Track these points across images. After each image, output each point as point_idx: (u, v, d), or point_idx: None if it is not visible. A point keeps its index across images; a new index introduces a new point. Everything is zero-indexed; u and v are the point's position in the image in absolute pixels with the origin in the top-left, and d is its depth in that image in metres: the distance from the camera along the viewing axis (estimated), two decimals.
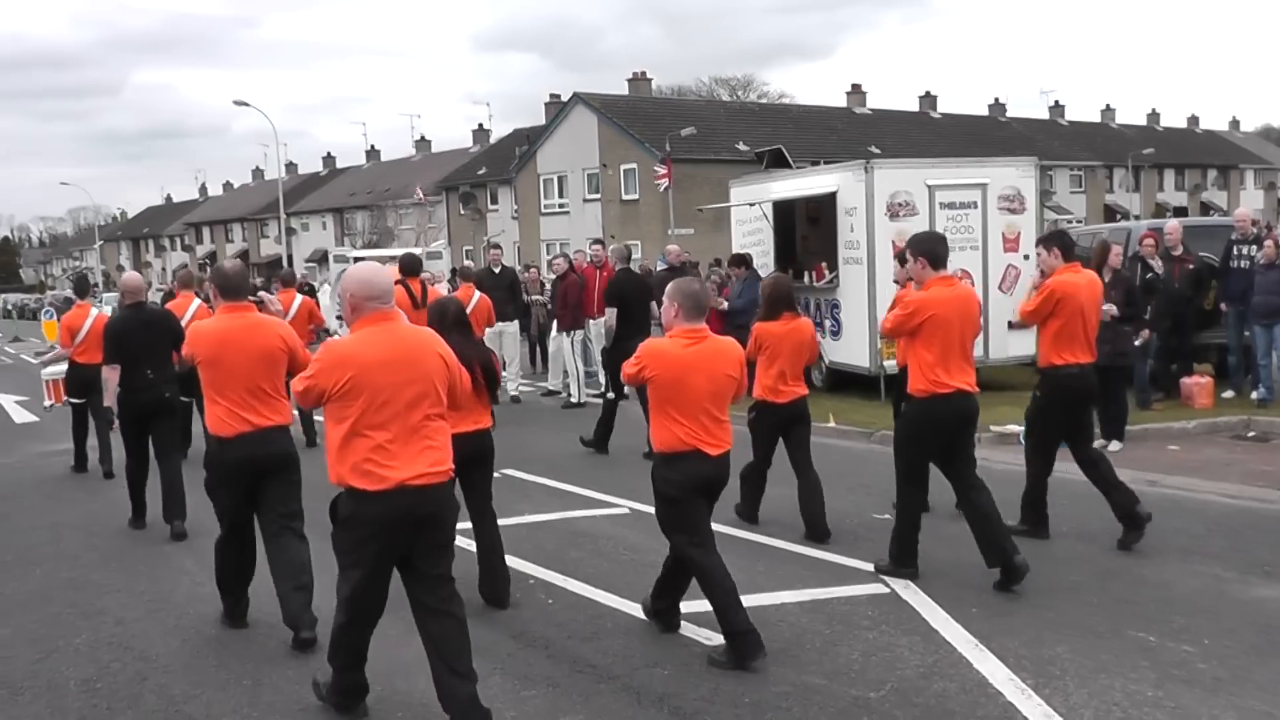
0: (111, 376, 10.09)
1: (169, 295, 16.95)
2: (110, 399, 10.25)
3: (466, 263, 23.97)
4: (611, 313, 13.66)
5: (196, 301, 13.09)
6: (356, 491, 5.56)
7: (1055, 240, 9.10)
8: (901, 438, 8.45)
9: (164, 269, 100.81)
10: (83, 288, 15.50)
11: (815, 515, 9.46)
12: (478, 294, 16.14)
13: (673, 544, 7.07)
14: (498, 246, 21.16)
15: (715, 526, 9.55)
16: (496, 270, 18.79)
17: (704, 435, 6.73)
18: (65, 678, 6.96)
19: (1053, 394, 8.97)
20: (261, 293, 11.56)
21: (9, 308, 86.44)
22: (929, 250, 8.13)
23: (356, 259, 35.75)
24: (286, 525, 7.31)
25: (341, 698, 6.09)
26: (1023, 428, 12.77)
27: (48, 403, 16.53)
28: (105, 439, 13.09)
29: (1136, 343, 12.89)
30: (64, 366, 14.18)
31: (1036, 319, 8.99)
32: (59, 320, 14.62)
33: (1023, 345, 16.14)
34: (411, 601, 5.86)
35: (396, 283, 12.71)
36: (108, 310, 15.11)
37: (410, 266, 15.18)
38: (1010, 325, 10.09)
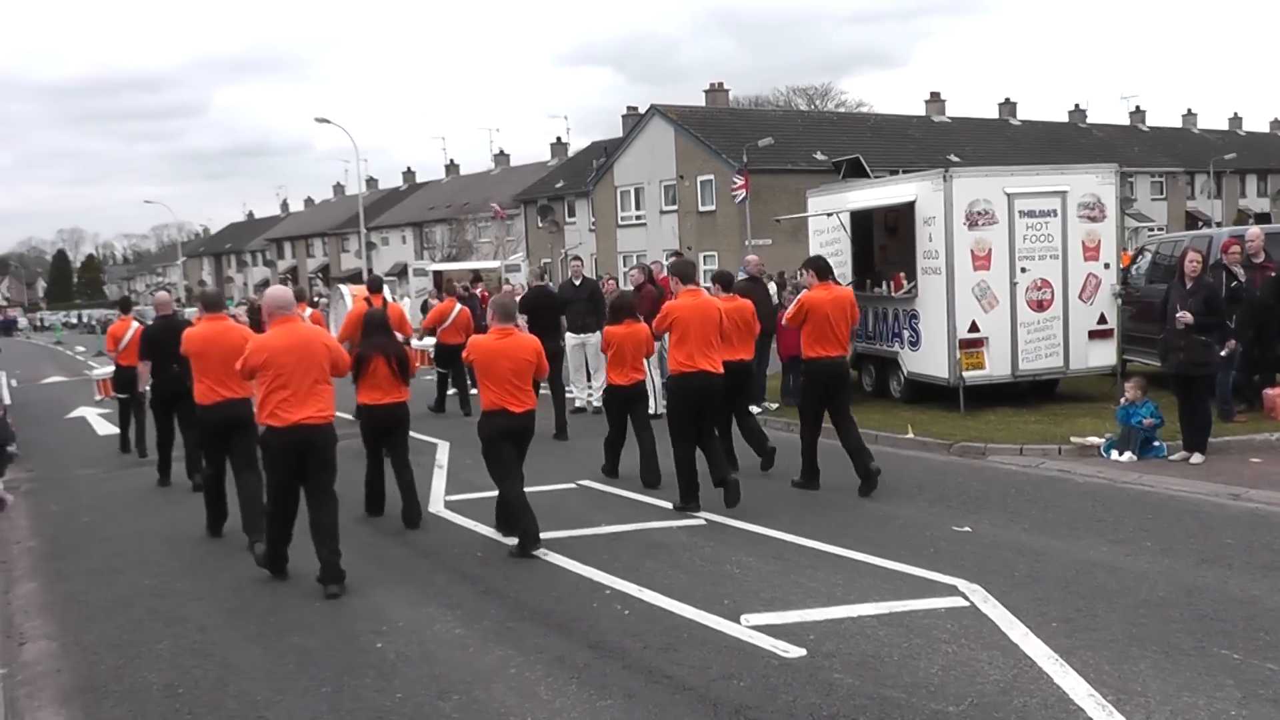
0: (143, 369, 13.69)
1: (254, 309, 19.25)
2: (143, 385, 14.21)
3: (456, 280, 25.44)
4: (523, 320, 16.37)
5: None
6: (271, 427, 8.86)
7: (811, 264, 12.12)
8: (668, 406, 11.64)
9: (245, 284, 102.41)
10: (125, 305, 17.91)
11: (651, 469, 12.33)
12: (458, 307, 19.99)
13: (491, 474, 10.21)
14: (578, 259, 21.35)
15: (795, 540, 9.59)
16: (577, 283, 18.85)
17: (509, 399, 9.86)
18: (148, 682, 7.12)
19: (812, 378, 11.90)
20: (236, 309, 15.31)
21: (93, 323, 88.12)
22: (680, 272, 11.72)
23: (435, 272, 36.28)
24: (246, 466, 10.43)
25: (271, 563, 9.28)
26: (1104, 440, 12.69)
27: (97, 397, 21.08)
28: (142, 421, 16.27)
29: (1223, 353, 12.65)
30: (111, 369, 17.56)
31: (794, 324, 11.87)
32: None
33: (1103, 356, 15.95)
34: (306, 499, 9.02)
35: (364, 299, 17.77)
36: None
37: (373, 286, 19.11)
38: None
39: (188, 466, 13.41)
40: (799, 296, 12.32)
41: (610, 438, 12.89)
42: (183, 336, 11.01)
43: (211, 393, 10.46)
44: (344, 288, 27.02)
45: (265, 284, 73.04)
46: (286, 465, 8.93)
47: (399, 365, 11.05)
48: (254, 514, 10.15)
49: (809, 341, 11.70)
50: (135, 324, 15.82)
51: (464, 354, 10.44)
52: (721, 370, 11.17)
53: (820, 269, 11.96)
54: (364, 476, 11.56)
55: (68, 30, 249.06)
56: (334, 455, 9.10)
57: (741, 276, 20.10)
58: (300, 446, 8.84)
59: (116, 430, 18.71)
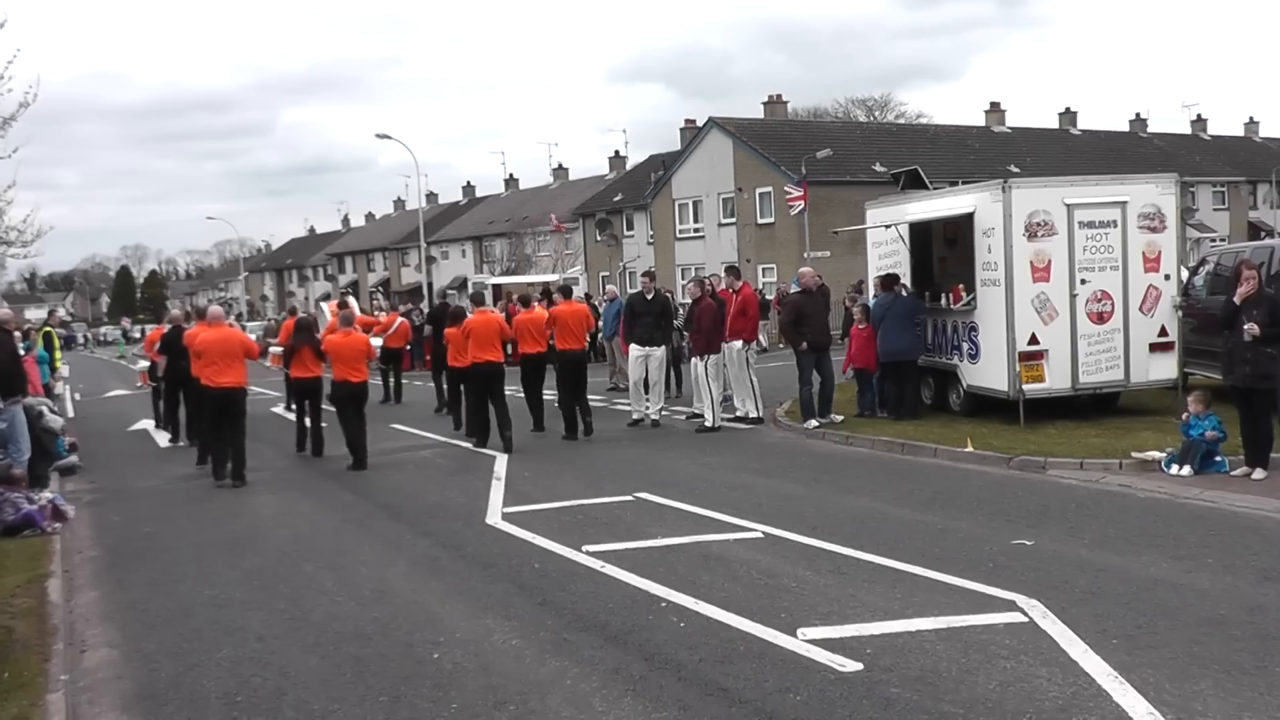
0: (160, 361, 19.77)
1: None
2: (159, 370, 20.16)
3: (413, 305, 30.95)
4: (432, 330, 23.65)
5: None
6: (204, 387, 15.02)
7: (560, 289, 20.17)
8: (466, 386, 17.84)
9: (306, 297, 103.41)
10: (159, 316, 25.04)
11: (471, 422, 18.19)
12: (399, 320, 25.14)
13: (340, 420, 16.23)
14: (651, 273, 21.53)
15: (852, 553, 9.51)
16: (649, 297, 19.02)
17: (349, 374, 15.88)
18: (207, 691, 7.19)
19: (561, 363, 18.02)
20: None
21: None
22: (473, 296, 21.24)
23: (495, 286, 36.57)
24: (235, 430, 15.22)
25: (214, 468, 15.28)
26: (1165, 454, 12.51)
27: (138, 384, 29.81)
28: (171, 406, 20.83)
29: None
30: (147, 363, 23.20)
31: (552, 328, 18.15)
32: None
33: (1164, 369, 15.75)
34: (227, 431, 15.00)
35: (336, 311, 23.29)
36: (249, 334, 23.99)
37: (341, 304, 24.66)
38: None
39: (186, 428, 19.11)
40: (550, 309, 19.10)
41: (469, 407, 17.95)
42: (186, 335, 17.51)
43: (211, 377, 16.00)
44: (324, 304, 34.61)
45: (326, 296, 75.39)
46: (215, 409, 15.04)
47: (317, 353, 16.96)
48: (238, 463, 15.06)
49: (559, 339, 18.07)
50: (167, 329, 21.02)
51: (321, 346, 16.73)
52: (501, 359, 17.05)
53: (564, 291, 19.93)
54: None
55: (137, 54, 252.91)
56: (244, 405, 15.28)
57: (794, 289, 20.21)
58: (223, 400, 14.92)
59: (182, 443, 19.31)
